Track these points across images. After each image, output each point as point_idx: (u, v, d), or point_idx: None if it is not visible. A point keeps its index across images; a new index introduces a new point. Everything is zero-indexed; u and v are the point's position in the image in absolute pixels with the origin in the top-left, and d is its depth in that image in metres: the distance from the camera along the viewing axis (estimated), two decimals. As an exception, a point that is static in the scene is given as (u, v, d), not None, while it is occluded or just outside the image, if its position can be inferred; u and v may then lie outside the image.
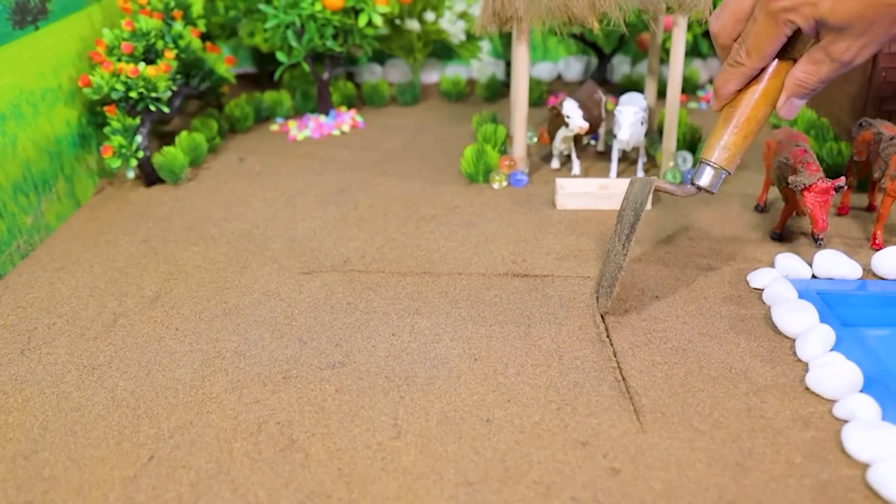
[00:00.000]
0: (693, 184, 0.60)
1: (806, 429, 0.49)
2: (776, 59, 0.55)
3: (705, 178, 0.59)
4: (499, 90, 1.22)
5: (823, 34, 0.50)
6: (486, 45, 1.29)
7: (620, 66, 1.29)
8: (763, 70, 0.55)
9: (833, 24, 0.49)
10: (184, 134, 0.95)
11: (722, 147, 0.58)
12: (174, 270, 0.72)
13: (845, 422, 0.49)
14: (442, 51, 1.33)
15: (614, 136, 0.84)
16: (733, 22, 0.55)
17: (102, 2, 0.99)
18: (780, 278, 0.64)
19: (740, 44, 0.54)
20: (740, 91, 0.57)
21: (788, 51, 0.54)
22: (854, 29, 0.49)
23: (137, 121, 0.88)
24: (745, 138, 0.57)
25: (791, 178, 0.66)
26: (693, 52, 1.27)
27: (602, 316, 0.62)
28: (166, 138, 1.03)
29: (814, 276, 0.66)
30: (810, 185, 0.64)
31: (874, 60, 0.85)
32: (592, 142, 0.99)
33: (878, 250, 0.68)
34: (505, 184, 0.88)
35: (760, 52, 0.54)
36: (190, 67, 1.03)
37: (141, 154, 0.88)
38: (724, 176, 0.59)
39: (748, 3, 0.53)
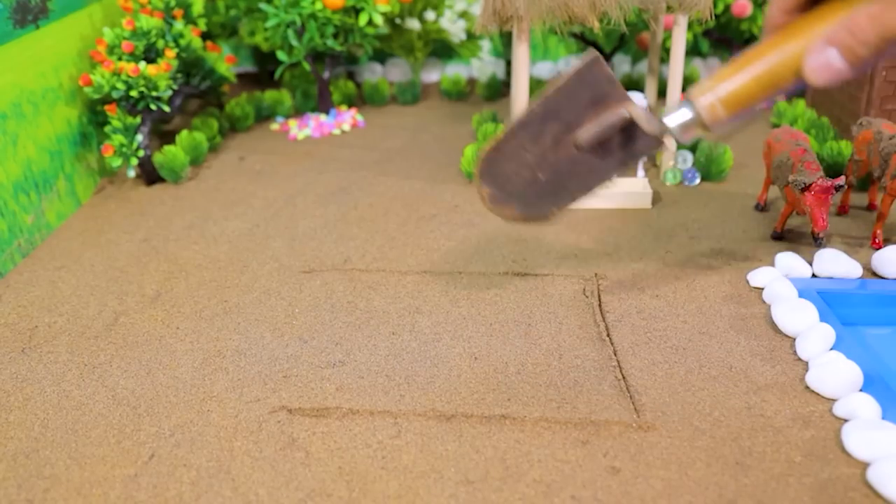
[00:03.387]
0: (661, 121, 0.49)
1: (806, 428, 0.49)
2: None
3: (674, 118, 0.48)
4: (499, 89, 1.22)
5: None
6: (486, 45, 1.29)
7: (621, 66, 1.29)
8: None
9: None
10: (184, 133, 0.95)
11: (711, 89, 0.45)
12: (175, 269, 0.72)
13: (845, 421, 0.49)
14: (442, 50, 1.33)
15: None
16: (781, 13, 0.45)
17: (103, 1, 0.99)
18: (780, 277, 0.64)
19: None
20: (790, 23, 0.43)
21: None
22: None
23: (138, 120, 0.88)
24: (747, 86, 0.44)
25: (791, 177, 0.66)
26: (693, 51, 1.27)
27: (602, 315, 0.62)
28: (167, 137, 1.03)
29: (814, 276, 0.66)
30: (810, 184, 0.64)
31: (875, 59, 0.85)
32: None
33: (878, 249, 0.68)
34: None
35: None
36: (190, 66, 1.03)
37: (141, 153, 0.88)
38: (693, 124, 0.47)
39: None
